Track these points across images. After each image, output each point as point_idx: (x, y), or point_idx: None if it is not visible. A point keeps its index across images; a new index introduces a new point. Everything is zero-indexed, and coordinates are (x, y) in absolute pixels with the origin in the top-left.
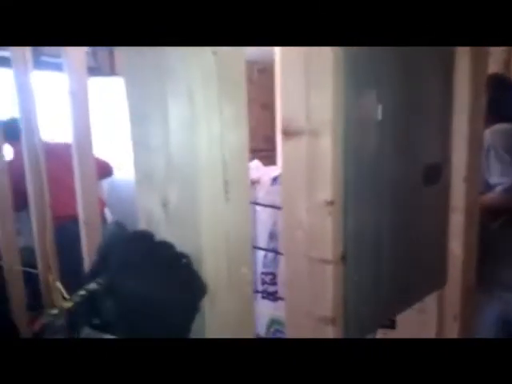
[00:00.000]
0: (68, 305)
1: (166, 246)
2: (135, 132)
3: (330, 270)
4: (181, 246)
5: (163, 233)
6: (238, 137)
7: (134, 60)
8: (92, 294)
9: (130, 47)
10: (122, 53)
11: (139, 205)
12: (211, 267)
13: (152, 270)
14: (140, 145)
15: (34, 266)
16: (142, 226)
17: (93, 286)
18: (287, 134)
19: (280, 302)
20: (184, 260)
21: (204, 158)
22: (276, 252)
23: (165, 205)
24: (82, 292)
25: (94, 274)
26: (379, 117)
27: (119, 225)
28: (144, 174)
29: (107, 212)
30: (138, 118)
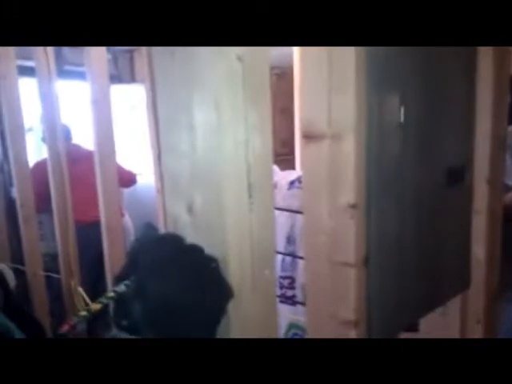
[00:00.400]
0: (97, 307)
1: (196, 250)
2: (163, 138)
3: (352, 273)
4: (206, 249)
5: (189, 236)
6: (262, 141)
7: (163, 68)
8: (121, 296)
9: (159, 54)
10: (154, 61)
11: (166, 209)
12: (236, 270)
13: (181, 273)
14: (168, 151)
15: (56, 271)
16: (169, 229)
17: (121, 287)
18: (308, 137)
19: (298, 307)
20: (213, 264)
21: (229, 162)
22: (294, 256)
23: (190, 209)
24: (111, 294)
25: (123, 276)
26: (402, 119)
27: (150, 226)
28: (171, 179)
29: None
30: (167, 125)
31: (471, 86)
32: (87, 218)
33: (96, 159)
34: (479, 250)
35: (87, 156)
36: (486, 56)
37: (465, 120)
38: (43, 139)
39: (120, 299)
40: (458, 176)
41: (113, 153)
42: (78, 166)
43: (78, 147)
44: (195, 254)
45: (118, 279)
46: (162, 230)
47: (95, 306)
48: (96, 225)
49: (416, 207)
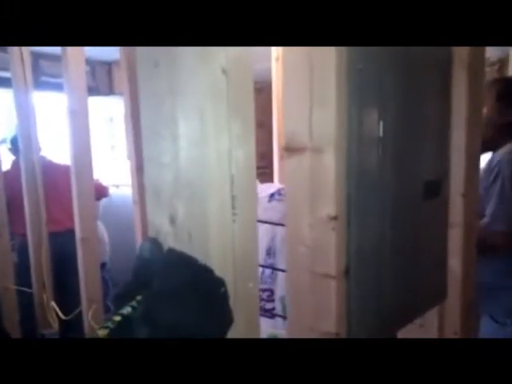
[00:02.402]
0: (104, 333)
1: (207, 271)
2: (146, 149)
3: (333, 284)
4: None
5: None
6: (246, 153)
7: (147, 79)
8: (127, 319)
9: (143, 65)
10: (138, 71)
11: (148, 220)
12: None
13: (193, 299)
14: (150, 161)
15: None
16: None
17: (128, 309)
18: (290, 150)
19: (277, 319)
20: (222, 289)
21: (212, 173)
22: (273, 268)
23: (173, 220)
24: (117, 317)
25: (127, 295)
26: (381, 134)
27: (156, 243)
28: (153, 190)
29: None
30: (150, 136)
31: (447, 102)
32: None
33: (72, 171)
34: (455, 262)
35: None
36: (460, 72)
37: (440, 135)
38: (11, 150)
39: (126, 322)
40: (435, 190)
41: (89, 165)
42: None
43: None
44: (205, 276)
45: (121, 298)
46: (165, 246)
47: (102, 333)
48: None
49: (394, 219)
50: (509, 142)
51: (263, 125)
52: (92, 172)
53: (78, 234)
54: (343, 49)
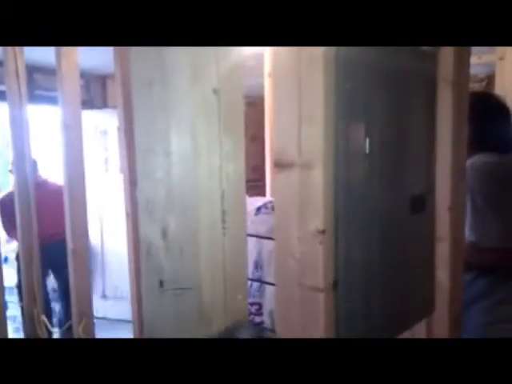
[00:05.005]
0: None
1: None
2: (140, 164)
3: (321, 297)
4: (179, 273)
5: (163, 261)
6: (236, 169)
7: (141, 97)
8: None
9: (138, 84)
10: (132, 89)
11: (140, 234)
12: (208, 295)
13: None
14: (144, 176)
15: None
16: (143, 253)
17: None
18: (279, 165)
19: (267, 333)
20: None
21: (203, 189)
22: (261, 281)
23: (165, 234)
24: None
25: None
26: (367, 150)
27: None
28: (146, 204)
29: None
30: (143, 151)
31: (432, 119)
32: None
33: (65, 183)
34: (443, 275)
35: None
36: (445, 90)
37: (426, 150)
38: (11, 171)
39: None
40: (421, 204)
41: (82, 177)
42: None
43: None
44: None
45: None
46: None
47: None
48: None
49: (382, 233)
50: (470, 157)
51: (256, 138)
52: (84, 184)
53: (70, 246)
54: (332, 67)
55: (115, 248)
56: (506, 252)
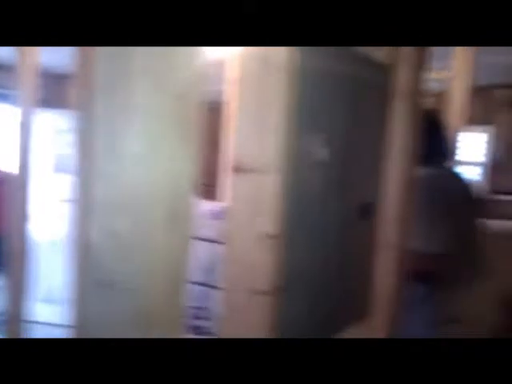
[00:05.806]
0: None
1: None
2: (96, 164)
3: (267, 301)
4: (127, 272)
5: (111, 260)
6: (189, 173)
7: (103, 98)
8: None
9: (102, 84)
10: (96, 90)
11: (91, 234)
12: (149, 294)
13: None
14: (99, 176)
15: None
16: (93, 253)
17: None
18: (239, 170)
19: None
20: None
21: (155, 191)
22: (210, 286)
23: (114, 234)
24: None
25: None
26: (321, 159)
27: None
28: (99, 204)
29: None
30: (101, 152)
31: (383, 134)
32: None
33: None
34: (386, 281)
35: None
36: (399, 100)
37: (377, 160)
38: None
39: None
40: (368, 212)
41: (27, 177)
42: None
43: None
44: None
45: None
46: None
47: None
48: None
49: (328, 239)
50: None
51: (211, 143)
52: (28, 184)
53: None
54: (293, 79)
55: (50, 248)
56: (444, 258)
